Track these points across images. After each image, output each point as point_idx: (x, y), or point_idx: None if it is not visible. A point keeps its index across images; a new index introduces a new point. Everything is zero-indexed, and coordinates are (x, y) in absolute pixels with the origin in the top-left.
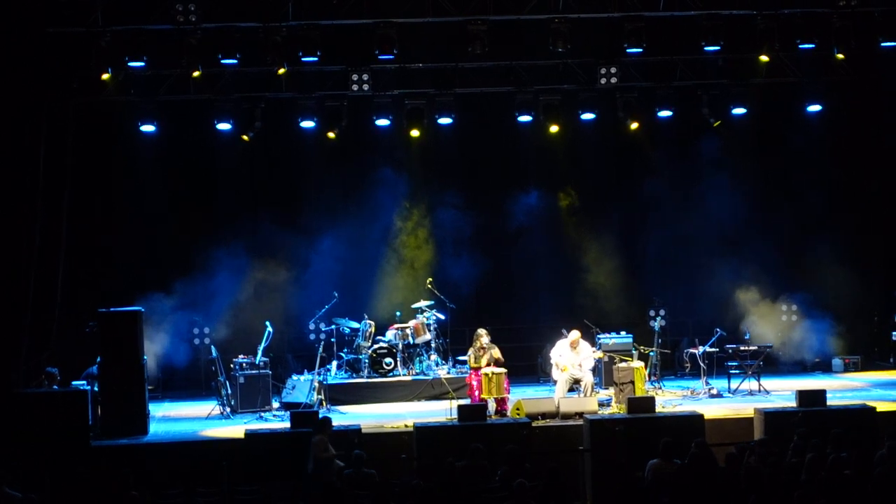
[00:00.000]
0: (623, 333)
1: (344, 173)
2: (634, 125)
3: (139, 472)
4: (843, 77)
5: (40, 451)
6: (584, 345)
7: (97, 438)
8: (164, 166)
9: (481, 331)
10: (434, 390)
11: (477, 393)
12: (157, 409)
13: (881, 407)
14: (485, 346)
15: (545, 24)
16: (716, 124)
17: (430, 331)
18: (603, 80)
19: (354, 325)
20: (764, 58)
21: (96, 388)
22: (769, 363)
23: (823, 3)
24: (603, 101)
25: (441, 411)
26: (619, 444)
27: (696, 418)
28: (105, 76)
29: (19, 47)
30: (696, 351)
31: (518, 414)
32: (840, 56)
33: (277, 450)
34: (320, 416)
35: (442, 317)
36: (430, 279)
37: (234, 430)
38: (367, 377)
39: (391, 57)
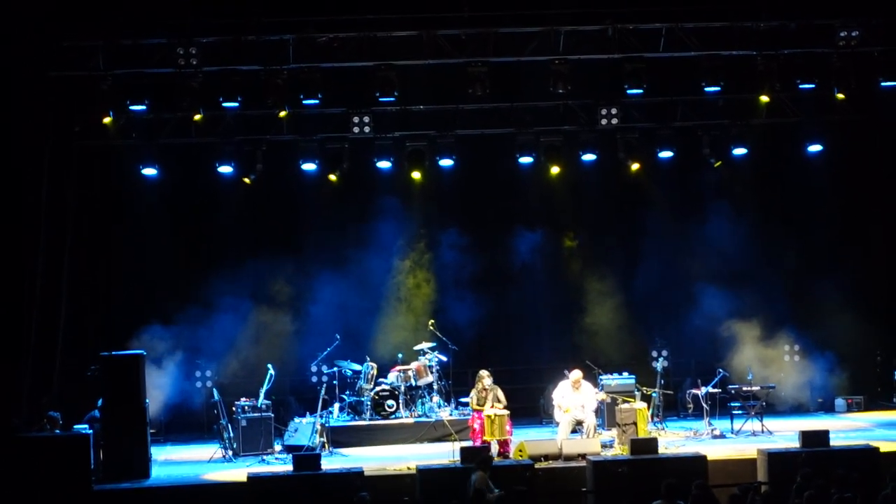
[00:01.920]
0: (625, 374)
1: (345, 215)
2: (635, 166)
3: None
4: (844, 117)
5: (42, 495)
6: (587, 385)
7: (99, 482)
8: (165, 209)
9: (483, 372)
10: (436, 432)
11: (480, 435)
12: (159, 453)
13: (885, 447)
14: (487, 387)
15: (545, 65)
16: (717, 164)
17: (432, 372)
18: (604, 121)
19: (356, 367)
20: (764, 98)
21: (98, 432)
22: (772, 403)
23: (823, 43)
24: (604, 141)
25: (444, 453)
26: (622, 485)
27: (700, 459)
28: (107, 120)
29: (21, 91)
30: (698, 392)
31: (521, 455)
32: (840, 96)
33: (280, 493)
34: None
35: (444, 358)
36: (432, 321)
37: (237, 473)
38: (370, 419)
39: (392, 99)
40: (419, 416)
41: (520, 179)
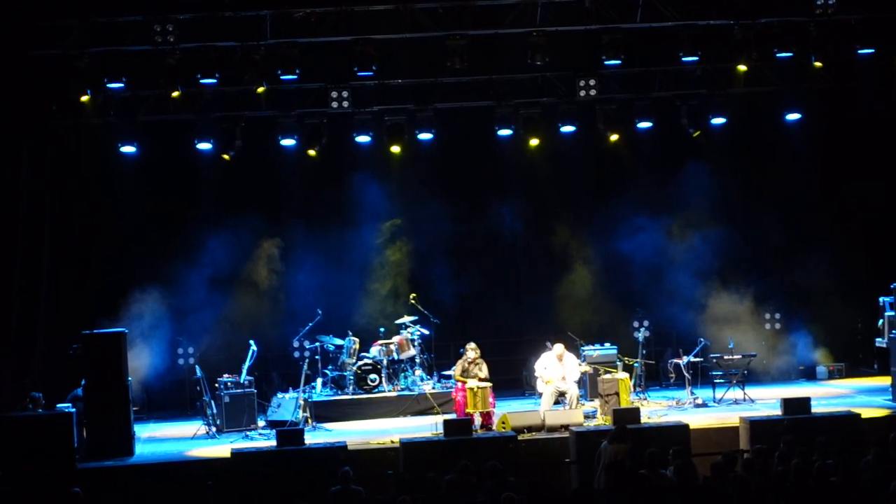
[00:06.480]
0: (607, 345)
1: (325, 190)
2: (614, 137)
3: (126, 494)
4: (822, 85)
5: (26, 474)
6: (570, 357)
7: (83, 461)
8: (144, 187)
9: (471, 345)
10: (419, 406)
11: (462, 407)
12: (143, 430)
13: (866, 413)
14: (476, 360)
15: (523, 37)
16: (695, 134)
17: (414, 346)
18: (582, 93)
19: (339, 341)
20: (742, 67)
21: (82, 410)
22: (753, 372)
23: (800, 11)
24: (582, 113)
25: (427, 426)
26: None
27: (682, 428)
28: (84, 98)
29: None
30: (680, 361)
31: (504, 428)
32: (818, 64)
33: (264, 468)
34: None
35: (426, 332)
36: (414, 294)
37: (220, 449)
38: (353, 394)
39: (370, 73)
40: (402, 390)
41: (499, 152)
